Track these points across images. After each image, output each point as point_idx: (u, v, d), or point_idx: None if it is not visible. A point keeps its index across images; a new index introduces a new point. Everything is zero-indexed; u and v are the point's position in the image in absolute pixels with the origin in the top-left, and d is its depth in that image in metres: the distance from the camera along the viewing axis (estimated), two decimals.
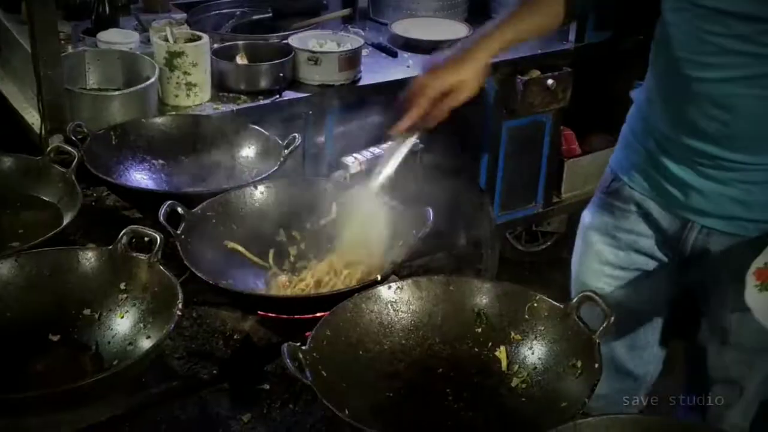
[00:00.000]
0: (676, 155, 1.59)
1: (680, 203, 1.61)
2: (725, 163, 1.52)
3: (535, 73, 2.94)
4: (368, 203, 1.63)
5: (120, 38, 2.45)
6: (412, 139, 1.64)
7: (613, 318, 1.28)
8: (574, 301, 1.34)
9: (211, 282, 1.47)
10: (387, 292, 1.43)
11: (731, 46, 1.43)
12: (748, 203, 1.54)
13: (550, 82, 2.95)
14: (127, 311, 1.43)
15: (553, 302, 1.38)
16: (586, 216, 1.83)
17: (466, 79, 1.59)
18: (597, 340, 1.28)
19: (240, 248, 1.65)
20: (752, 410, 1.69)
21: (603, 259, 1.77)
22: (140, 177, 1.91)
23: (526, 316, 1.40)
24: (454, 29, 3.01)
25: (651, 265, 1.71)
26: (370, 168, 2.41)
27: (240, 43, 2.65)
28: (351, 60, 2.62)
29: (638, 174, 1.68)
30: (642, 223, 1.69)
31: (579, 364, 1.29)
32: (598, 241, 1.79)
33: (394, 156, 1.64)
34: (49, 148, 1.78)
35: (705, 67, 1.48)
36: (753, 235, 1.55)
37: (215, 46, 2.55)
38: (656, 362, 1.91)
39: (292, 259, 1.69)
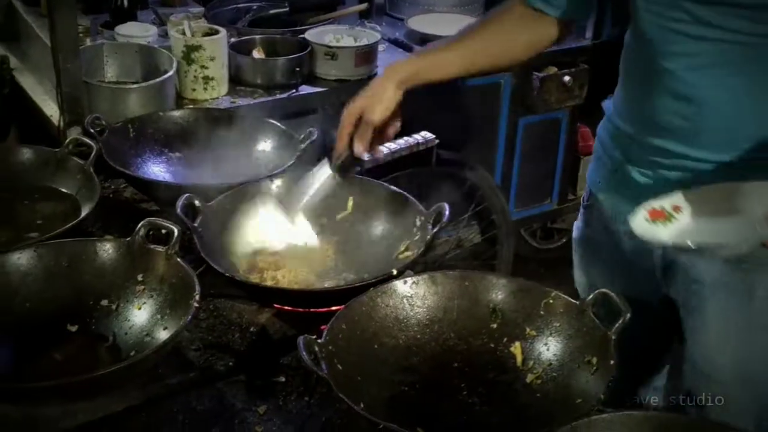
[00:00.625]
0: (641, 161, 1.55)
1: None
2: (689, 163, 1.48)
3: (552, 70, 2.94)
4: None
5: (138, 31, 2.46)
6: (327, 170, 1.63)
7: (629, 315, 1.28)
8: (590, 297, 1.35)
9: (227, 275, 1.48)
10: (403, 287, 1.44)
11: (694, 32, 1.40)
12: None
13: (566, 78, 2.94)
14: (145, 303, 1.44)
15: (569, 299, 1.38)
16: (575, 230, 1.83)
17: (373, 99, 1.57)
18: (612, 337, 1.28)
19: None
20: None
21: (594, 277, 1.77)
22: (157, 170, 1.92)
23: (542, 312, 1.40)
24: None
25: (638, 281, 1.69)
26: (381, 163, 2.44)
27: (257, 37, 2.65)
28: (367, 55, 2.63)
29: (607, 188, 1.66)
30: (619, 239, 1.68)
31: (594, 360, 1.29)
32: (585, 255, 1.79)
33: (314, 184, 1.64)
34: (67, 140, 1.79)
35: (670, 56, 1.45)
36: None
37: (232, 40, 2.56)
38: (660, 366, 1.91)
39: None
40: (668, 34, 1.44)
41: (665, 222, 1.42)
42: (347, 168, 1.63)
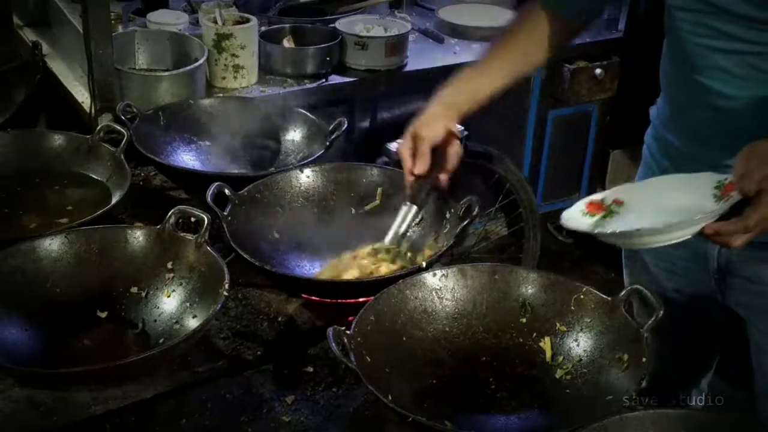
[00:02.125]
0: (690, 170, 1.55)
1: None
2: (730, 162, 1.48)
3: (583, 62, 2.91)
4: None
5: (169, 19, 2.46)
6: (415, 209, 1.60)
7: (662, 312, 1.27)
8: (622, 294, 1.33)
9: (257, 264, 1.48)
10: (432, 279, 1.43)
11: (723, 46, 1.40)
12: None
13: (598, 71, 2.91)
14: (174, 290, 1.44)
15: (600, 294, 1.37)
16: None
17: (432, 133, 1.55)
18: (645, 334, 1.26)
19: None
20: None
21: (646, 283, 1.75)
22: (187, 158, 1.92)
23: (572, 308, 1.39)
24: (501, 16, 2.98)
25: (693, 285, 1.67)
26: None
27: (287, 26, 2.65)
28: (398, 45, 2.61)
29: None
30: (674, 246, 1.66)
31: (625, 357, 1.28)
32: (637, 261, 1.77)
33: (402, 224, 1.61)
34: (98, 127, 1.80)
35: (702, 70, 1.44)
36: None
37: (262, 28, 2.56)
38: (708, 368, 1.89)
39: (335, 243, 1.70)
40: (699, 48, 1.44)
41: (606, 216, 1.39)
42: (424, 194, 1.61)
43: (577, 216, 1.40)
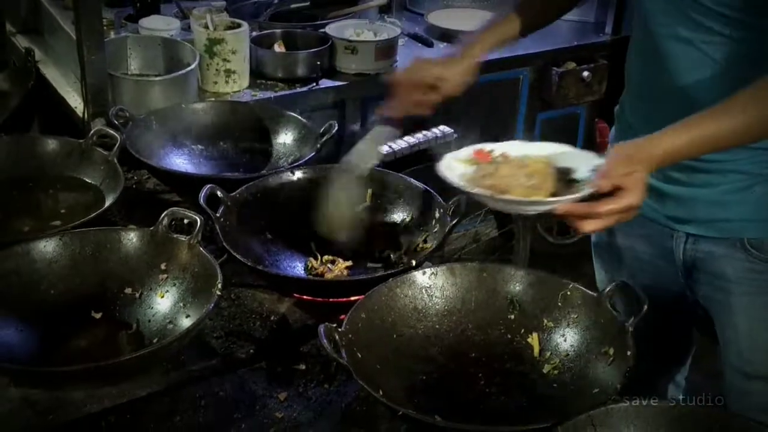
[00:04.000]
0: None
1: (660, 213, 1.61)
2: (693, 163, 1.50)
3: (571, 65, 2.94)
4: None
5: (161, 25, 2.48)
6: (389, 129, 1.64)
7: (646, 306, 1.29)
8: (608, 289, 1.36)
9: (249, 264, 1.50)
10: (421, 278, 1.45)
11: (684, 34, 1.43)
12: (723, 203, 1.52)
13: (585, 74, 2.94)
14: (168, 291, 1.46)
15: (586, 290, 1.40)
16: (594, 234, 1.84)
17: (452, 74, 1.59)
18: (629, 328, 1.29)
19: None
20: None
21: (621, 272, 1.78)
22: (180, 161, 1.94)
23: (559, 304, 1.41)
24: None
25: (662, 280, 1.70)
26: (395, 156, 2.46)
27: (278, 31, 2.67)
28: (387, 49, 2.64)
29: None
30: (638, 240, 1.69)
31: (611, 351, 1.31)
32: (607, 259, 1.80)
33: (376, 146, 1.66)
34: (92, 132, 1.82)
35: (663, 58, 1.47)
36: (735, 237, 1.54)
37: (254, 33, 2.58)
38: (683, 362, 1.91)
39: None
40: (658, 38, 1.47)
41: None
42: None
43: (454, 164, 1.42)
